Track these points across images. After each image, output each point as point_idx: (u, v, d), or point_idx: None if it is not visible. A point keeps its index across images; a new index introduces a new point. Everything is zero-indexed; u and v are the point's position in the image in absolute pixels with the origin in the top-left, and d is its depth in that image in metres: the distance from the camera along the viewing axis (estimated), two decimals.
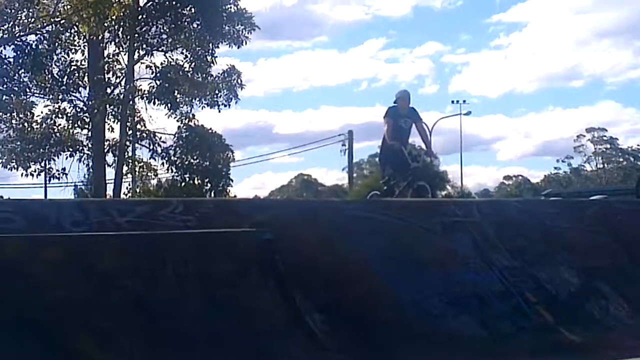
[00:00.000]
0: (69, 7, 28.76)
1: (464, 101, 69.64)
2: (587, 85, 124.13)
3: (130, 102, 29.55)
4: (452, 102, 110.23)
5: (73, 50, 29.99)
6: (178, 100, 30.10)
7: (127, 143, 30.55)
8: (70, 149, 29.27)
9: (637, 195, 14.80)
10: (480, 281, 9.40)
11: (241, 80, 31.28)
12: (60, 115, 29.30)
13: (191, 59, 30.06)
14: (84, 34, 29.02)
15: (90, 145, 29.59)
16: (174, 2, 29.08)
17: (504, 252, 9.93)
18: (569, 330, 9.04)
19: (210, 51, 30.14)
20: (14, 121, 30.02)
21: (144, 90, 29.56)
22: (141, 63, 30.19)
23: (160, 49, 30.09)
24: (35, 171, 30.13)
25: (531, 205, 12.42)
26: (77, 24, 28.80)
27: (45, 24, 29.78)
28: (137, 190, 32.40)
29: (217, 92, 30.55)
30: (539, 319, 9.10)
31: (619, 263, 10.56)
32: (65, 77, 29.46)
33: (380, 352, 7.89)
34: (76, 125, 29.10)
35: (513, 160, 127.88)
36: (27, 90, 29.80)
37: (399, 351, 8.02)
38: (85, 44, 30.00)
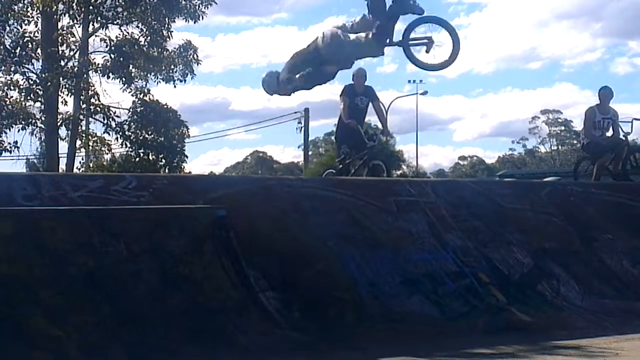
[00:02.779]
0: None
1: (421, 81, 69.30)
2: (544, 67, 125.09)
3: (85, 76, 29.08)
4: (410, 81, 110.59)
5: (26, 22, 29.39)
6: (133, 74, 29.71)
7: (81, 117, 30.11)
8: (23, 122, 28.69)
9: (575, 178, 14.89)
10: (434, 261, 9.45)
11: (197, 56, 30.99)
12: (12, 88, 28.73)
13: (147, 33, 29.68)
14: (38, 5, 28.46)
15: (43, 119, 29.08)
16: None
17: (457, 232, 9.99)
18: (521, 310, 9.14)
19: (166, 25, 29.81)
20: None
21: (99, 64, 29.14)
22: (96, 36, 29.74)
23: (115, 22, 29.61)
24: None
25: (485, 185, 12.48)
26: None
27: None
28: (91, 164, 32.02)
29: (172, 67, 30.24)
30: (491, 299, 9.18)
31: (571, 245, 10.68)
32: (18, 48, 28.87)
33: (334, 330, 7.91)
34: (29, 97, 28.54)
35: (469, 140, 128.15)
36: None
37: (353, 329, 8.05)
38: (39, 15, 29.42)
